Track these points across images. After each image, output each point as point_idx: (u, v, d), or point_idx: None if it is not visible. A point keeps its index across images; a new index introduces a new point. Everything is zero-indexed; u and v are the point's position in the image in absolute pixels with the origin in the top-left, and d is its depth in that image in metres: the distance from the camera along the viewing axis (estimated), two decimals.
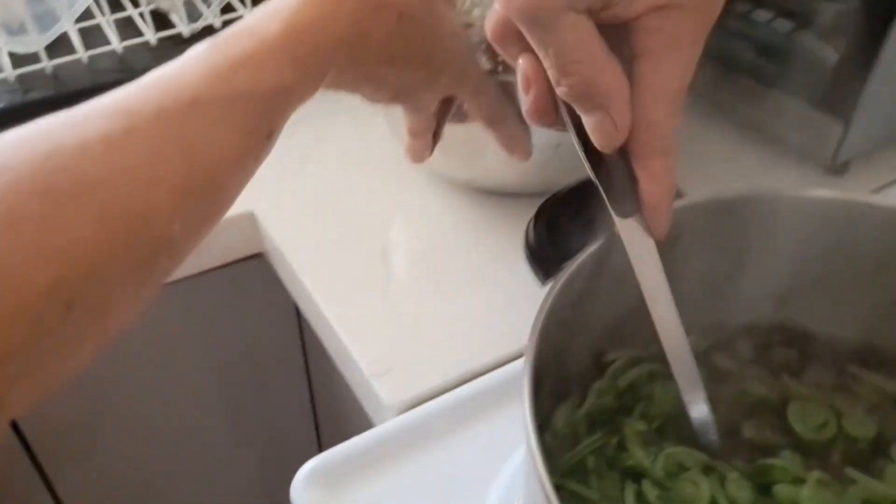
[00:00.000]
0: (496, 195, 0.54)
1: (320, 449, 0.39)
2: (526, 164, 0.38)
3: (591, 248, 0.30)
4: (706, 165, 0.56)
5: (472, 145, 0.48)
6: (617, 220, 0.28)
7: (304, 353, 0.69)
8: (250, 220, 0.56)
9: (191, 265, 0.56)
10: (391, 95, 0.34)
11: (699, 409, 0.30)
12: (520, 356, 0.29)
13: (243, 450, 0.76)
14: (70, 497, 0.69)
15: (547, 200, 0.34)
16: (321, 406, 0.73)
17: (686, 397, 0.30)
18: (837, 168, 0.55)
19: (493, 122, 0.37)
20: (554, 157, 0.45)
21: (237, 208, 0.55)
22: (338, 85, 0.31)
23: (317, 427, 0.75)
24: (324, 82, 0.29)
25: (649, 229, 0.28)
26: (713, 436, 0.30)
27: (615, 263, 0.31)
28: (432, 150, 0.40)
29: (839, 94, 0.52)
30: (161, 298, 0.57)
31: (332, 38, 0.28)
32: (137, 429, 0.68)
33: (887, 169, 0.58)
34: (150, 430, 0.69)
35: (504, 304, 0.48)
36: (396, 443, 0.40)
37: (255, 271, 0.59)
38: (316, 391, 0.72)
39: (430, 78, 0.33)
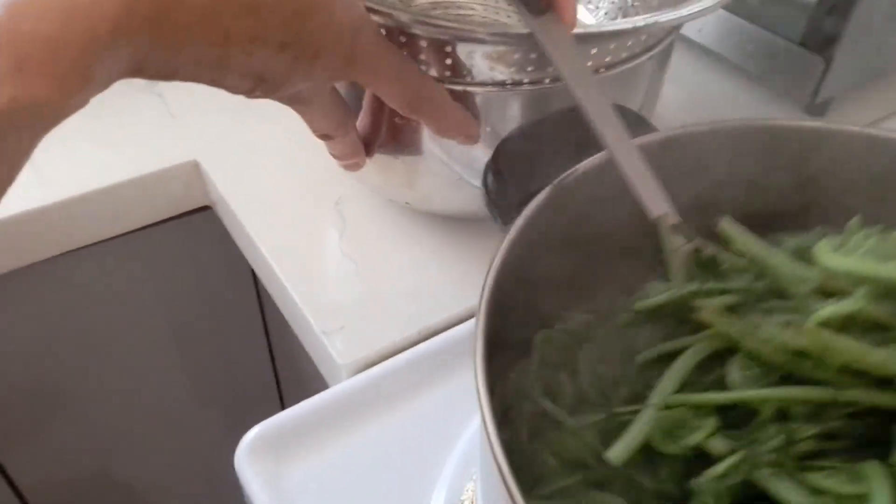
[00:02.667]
0: None
1: (283, 409, 0.36)
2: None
3: (548, 191, 0.27)
4: (685, 103, 0.54)
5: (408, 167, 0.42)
6: (531, 20, 0.30)
7: (262, 310, 0.65)
8: (194, 168, 0.52)
9: (137, 216, 0.53)
10: (251, 85, 0.27)
11: (665, 215, 0.27)
12: None
13: (205, 411, 0.73)
14: (23, 475, 0.66)
15: (504, 140, 0.31)
16: (281, 364, 0.70)
17: (648, 205, 0.27)
18: (817, 107, 0.52)
19: (418, 109, 0.31)
20: None
21: (179, 157, 0.52)
22: (156, 73, 0.24)
23: (278, 386, 0.73)
24: (124, 74, 0.22)
25: (562, 21, 0.30)
26: (691, 235, 0.28)
27: (576, 204, 0.28)
28: (368, 152, 0.35)
29: (821, 30, 0.50)
30: (111, 253, 0.54)
31: (109, 18, 0.20)
32: (91, 396, 0.65)
33: (866, 109, 0.55)
34: (106, 396, 0.66)
35: (466, 254, 0.45)
36: (350, 406, 0.37)
37: (207, 225, 0.56)
38: (275, 349, 0.69)
39: (298, 64, 0.26)
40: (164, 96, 0.57)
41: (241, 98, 0.58)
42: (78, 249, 0.52)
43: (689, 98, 0.57)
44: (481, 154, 0.36)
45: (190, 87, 0.61)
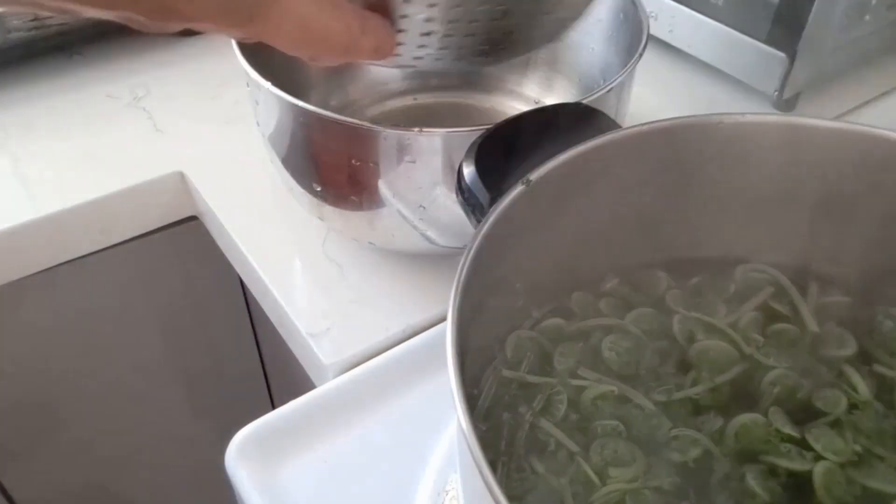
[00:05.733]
0: None
1: None
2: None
3: (519, 187, 0.28)
4: (651, 101, 0.55)
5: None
6: None
7: (251, 317, 0.66)
8: (180, 180, 0.53)
9: (125, 228, 0.53)
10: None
11: None
12: None
13: (197, 418, 0.73)
14: (18, 489, 0.67)
15: (478, 138, 0.32)
16: (271, 370, 0.71)
17: None
18: (785, 103, 0.54)
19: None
20: None
21: (164, 168, 0.53)
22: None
23: (269, 392, 0.73)
24: None
25: None
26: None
27: (548, 200, 0.29)
28: (393, 29, 0.28)
29: (784, 28, 0.51)
30: (100, 266, 0.55)
31: None
32: (83, 407, 0.66)
33: (834, 103, 0.57)
34: (98, 407, 0.66)
35: (447, 255, 0.46)
36: (337, 405, 0.38)
37: (194, 235, 0.57)
38: (265, 355, 0.69)
39: None
40: (149, 111, 0.58)
41: (225, 110, 0.60)
42: (66, 263, 0.53)
43: (664, 98, 0.58)
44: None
45: (175, 101, 0.62)
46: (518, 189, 0.28)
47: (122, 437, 0.70)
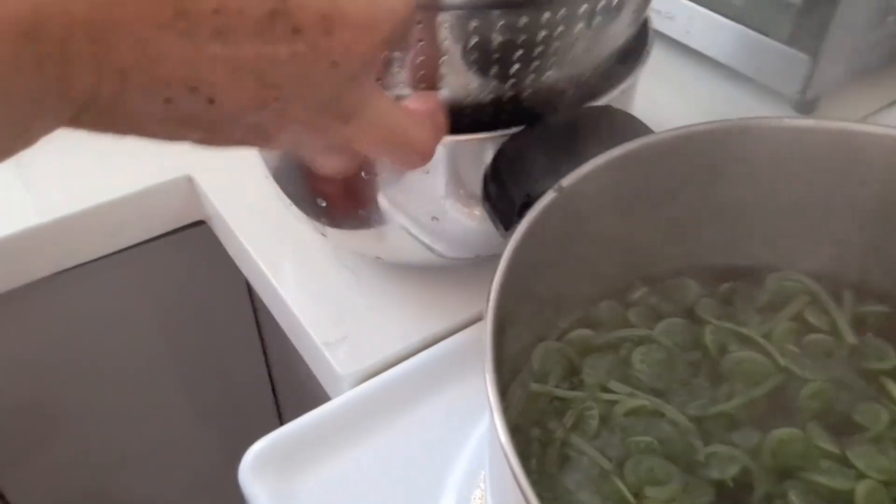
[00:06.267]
0: None
1: (281, 423, 0.36)
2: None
3: (550, 194, 0.27)
4: (669, 105, 0.54)
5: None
6: None
7: (258, 324, 0.65)
8: (188, 183, 0.52)
9: (133, 232, 0.52)
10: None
11: None
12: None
13: (202, 426, 0.72)
14: (19, 495, 0.65)
15: (503, 146, 0.31)
16: (279, 378, 0.69)
17: None
18: (806, 105, 0.53)
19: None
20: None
21: (173, 172, 0.52)
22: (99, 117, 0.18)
23: (276, 400, 0.72)
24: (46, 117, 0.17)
25: None
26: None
27: (578, 207, 0.28)
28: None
29: (806, 28, 0.50)
30: (107, 271, 0.54)
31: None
32: (88, 414, 0.64)
33: (855, 106, 0.56)
34: (102, 413, 0.65)
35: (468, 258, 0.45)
36: (353, 417, 0.37)
37: (201, 240, 0.56)
38: (272, 363, 0.68)
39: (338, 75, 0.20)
40: None
41: None
42: (73, 268, 0.52)
43: (682, 102, 0.57)
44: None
45: None
46: (550, 196, 0.27)
47: (124, 442, 0.69)
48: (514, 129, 0.32)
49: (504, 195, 0.30)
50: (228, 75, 0.18)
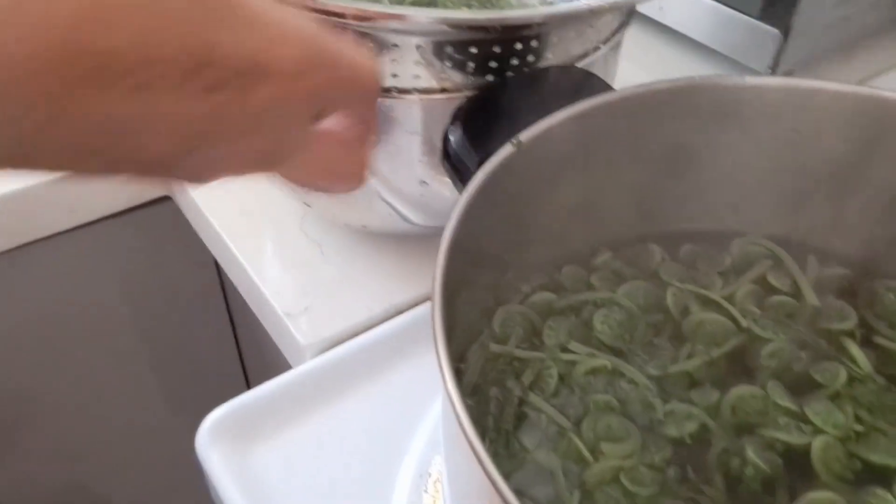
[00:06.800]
0: None
1: None
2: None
3: (506, 149, 0.26)
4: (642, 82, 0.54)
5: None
6: None
7: (226, 299, 0.64)
8: None
9: (95, 206, 0.51)
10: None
11: None
12: None
13: (171, 402, 0.71)
14: None
15: (465, 101, 0.31)
16: (248, 353, 0.68)
17: None
18: None
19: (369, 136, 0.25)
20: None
21: None
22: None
23: (245, 375, 0.71)
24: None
25: None
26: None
27: (538, 169, 0.28)
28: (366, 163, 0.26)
29: (777, 4, 0.50)
30: (69, 246, 0.53)
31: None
32: (54, 395, 0.63)
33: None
34: (70, 394, 0.64)
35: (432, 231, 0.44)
36: (314, 386, 0.36)
37: (167, 215, 0.54)
38: (241, 338, 0.67)
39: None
40: None
41: None
42: (33, 242, 0.51)
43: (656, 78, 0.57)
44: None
45: None
46: (507, 150, 0.26)
47: (93, 422, 0.67)
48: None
49: (463, 153, 0.29)
50: (152, 126, 0.18)
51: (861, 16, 0.54)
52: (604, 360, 0.28)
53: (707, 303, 0.30)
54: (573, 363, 0.28)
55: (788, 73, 0.53)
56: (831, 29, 0.53)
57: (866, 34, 0.56)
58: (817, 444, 0.25)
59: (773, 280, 0.32)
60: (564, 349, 0.29)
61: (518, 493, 0.23)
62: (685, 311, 0.30)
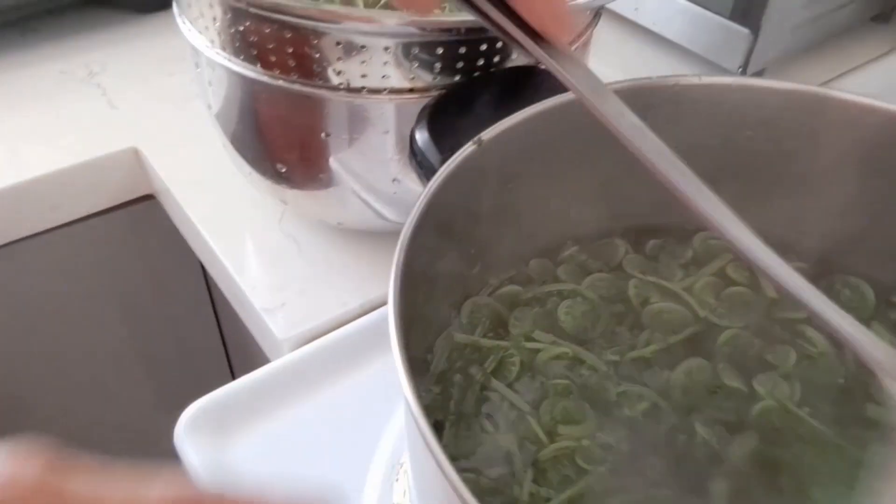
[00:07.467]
0: None
1: None
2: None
3: (469, 149, 0.27)
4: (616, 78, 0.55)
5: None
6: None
7: (211, 296, 0.65)
8: (135, 156, 0.51)
9: (79, 205, 0.52)
10: None
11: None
12: None
13: (158, 398, 0.72)
14: None
15: (431, 100, 0.32)
16: (233, 350, 0.69)
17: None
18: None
19: None
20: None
21: (118, 144, 0.51)
22: None
23: (232, 373, 0.72)
24: None
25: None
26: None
27: (502, 166, 0.29)
28: None
29: (748, 3, 0.51)
30: (53, 245, 0.53)
31: None
32: (41, 392, 0.64)
33: (797, 81, 0.57)
34: (57, 391, 0.64)
35: None
36: (290, 380, 0.37)
37: (151, 214, 0.55)
38: (226, 335, 0.68)
39: None
40: (103, 87, 0.56)
41: (181, 87, 0.58)
42: (17, 241, 0.52)
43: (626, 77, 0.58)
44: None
45: (130, 77, 0.60)
46: (469, 148, 0.27)
47: (81, 417, 0.68)
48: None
49: (429, 151, 0.30)
50: None
51: (830, 16, 0.55)
52: (565, 348, 0.29)
53: (666, 293, 0.31)
54: (536, 351, 0.29)
55: (759, 73, 0.54)
56: (801, 29, 0.54)
57: (836, 33, 0.57)
58: (758, 406, 0.26)
59: (731, 273, 0.33)
60: (529, 338, 0.30)
61: (475, 471, 0.25)
62: (645, 302, 0.31)
